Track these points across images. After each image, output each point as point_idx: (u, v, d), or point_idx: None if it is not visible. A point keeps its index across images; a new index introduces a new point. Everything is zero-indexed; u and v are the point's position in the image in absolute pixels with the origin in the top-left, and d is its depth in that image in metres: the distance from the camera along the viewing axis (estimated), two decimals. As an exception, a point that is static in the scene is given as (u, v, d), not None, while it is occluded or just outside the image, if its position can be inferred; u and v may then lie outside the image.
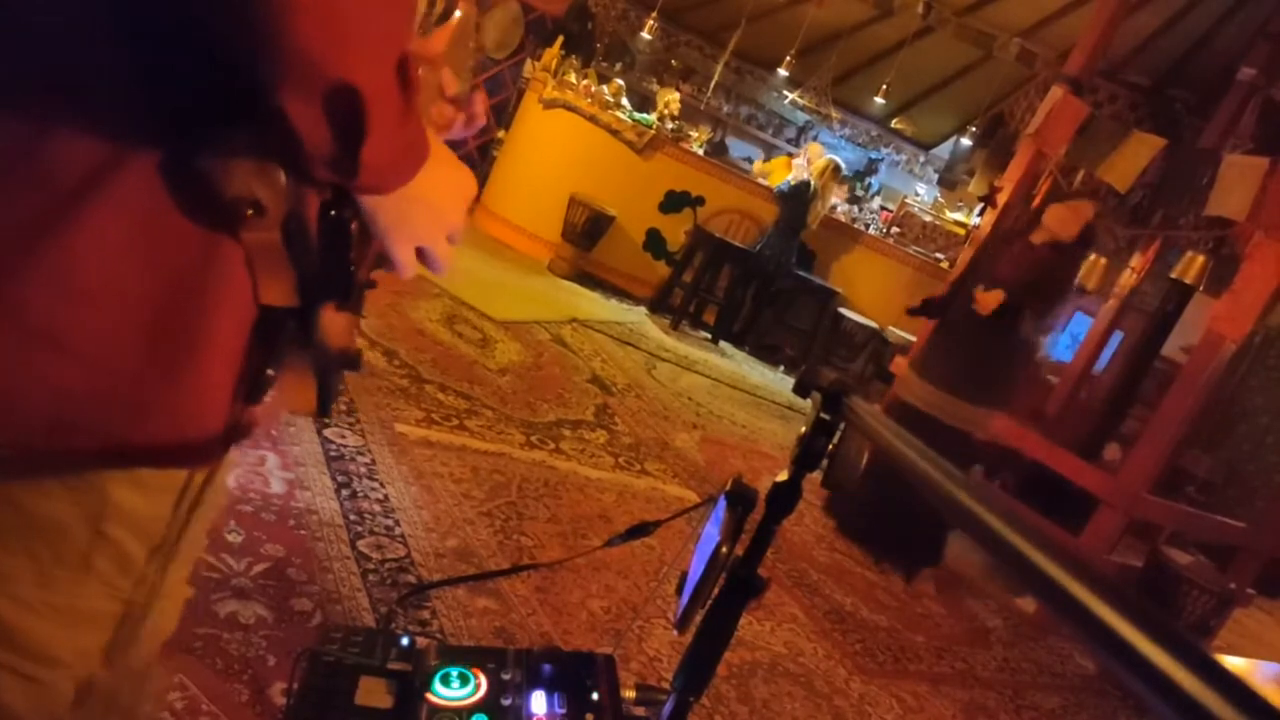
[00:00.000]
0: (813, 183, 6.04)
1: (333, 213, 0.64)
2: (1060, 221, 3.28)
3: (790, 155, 8.01)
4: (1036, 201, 4.57)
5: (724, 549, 0.93)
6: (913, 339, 5.29)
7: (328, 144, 0.56)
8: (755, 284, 6.29)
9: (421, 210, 0.69)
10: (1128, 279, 5.24)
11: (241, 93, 0.54)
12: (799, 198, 6.03)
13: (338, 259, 0.66)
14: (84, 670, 0.67)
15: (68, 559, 0.63)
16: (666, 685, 1.03)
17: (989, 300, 3.23)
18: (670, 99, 7.10)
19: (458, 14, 0.82)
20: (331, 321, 0.70)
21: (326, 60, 0.53)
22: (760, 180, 6.86)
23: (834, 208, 6.84)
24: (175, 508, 0.67)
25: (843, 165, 6.38)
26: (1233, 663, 3.13)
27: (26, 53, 0.56)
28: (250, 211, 0.58)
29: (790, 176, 6.26)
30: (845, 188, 6.95)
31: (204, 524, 0.72)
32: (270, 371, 0.66)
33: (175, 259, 0.59)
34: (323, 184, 0.61)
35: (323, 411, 0.75)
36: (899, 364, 4.53)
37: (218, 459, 0.67)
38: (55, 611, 0.64)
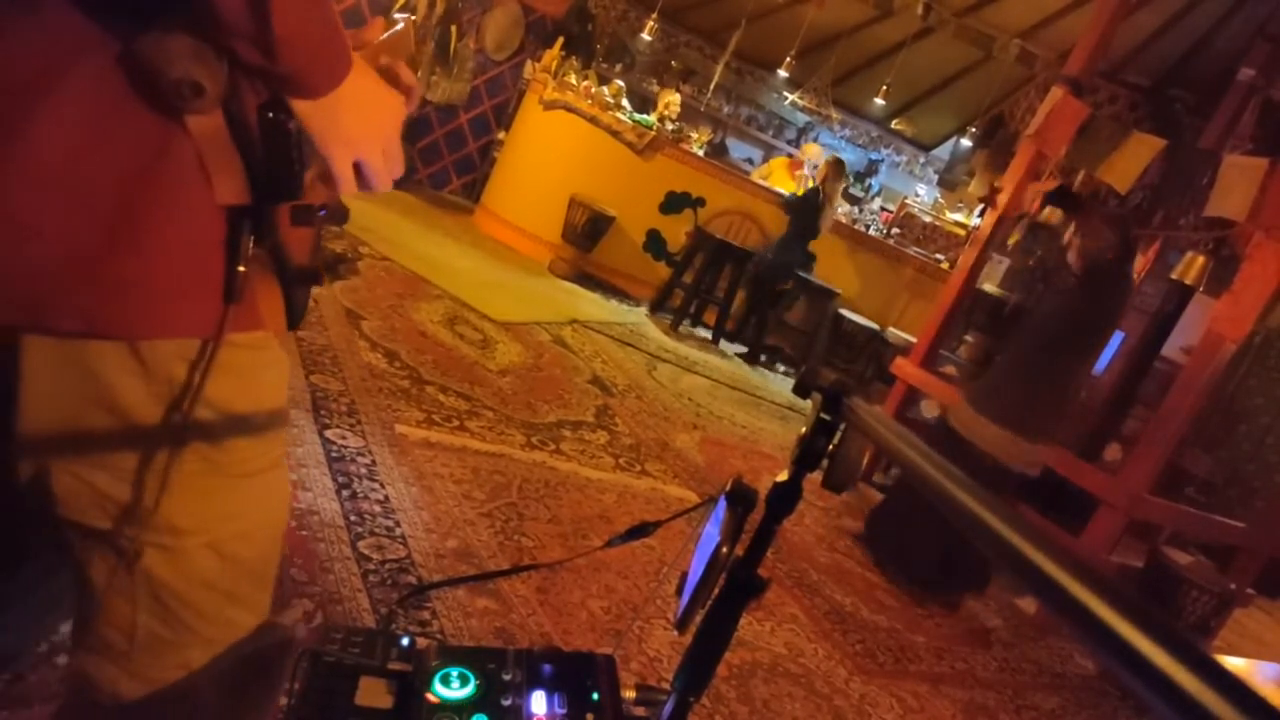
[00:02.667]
0: (821, 189, 6.04)
1: (270, 114, 0.68)
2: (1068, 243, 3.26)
3: (790, 156, 8.01)
4: (1036, 206, 4.57)
5: (724, 549, 0.93)
6: (913, 340, 5.29)
7: (241, 13, 0.60)
8: (764, 293, 6.29)
9: (352, 116, 0.73)
10: (1128, 279, 5.24)
11: None
12: (809, 205, 6.04)
13: (281, 156, 0.70)
14: (215, 534, 0.76)
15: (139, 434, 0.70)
16: (666, 685, 1.03)
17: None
18: (670, 101, 7.09)
19: (399, 25, 0.87)
20: (289, 235, 0.76)
21: None
22: (761, 183, 6.86)
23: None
24: (189, 373, 0.71)
25: (843, 161, 6.37)
26: (1233, 663, 3.13)
27: None
28: (190, 93, 0.63)
29: (799, 187, 6.30)
30: (845, 181, 6.94)
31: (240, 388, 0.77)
32: (241, 268, 0.71)
33: (133, 149, 0.65)
34: (252, 70, 0.65)
35: (292, 324, 0.80)
36: (900, 365, 4.53)
37: (204, 331, 0.71)
38: (158, 484, 0.71)
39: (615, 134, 6.39)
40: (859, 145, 10.34)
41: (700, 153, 6.90)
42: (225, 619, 0.79)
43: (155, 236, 0.67)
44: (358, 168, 0.76)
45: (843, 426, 0.93)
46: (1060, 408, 3.33)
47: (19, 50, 0.60)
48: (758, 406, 5.08)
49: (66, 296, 0.65)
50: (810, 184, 6.19)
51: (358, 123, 0.74)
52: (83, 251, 0.64)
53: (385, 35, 0.86)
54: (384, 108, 0.77)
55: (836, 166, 6.16)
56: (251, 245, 0.72)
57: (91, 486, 0.70)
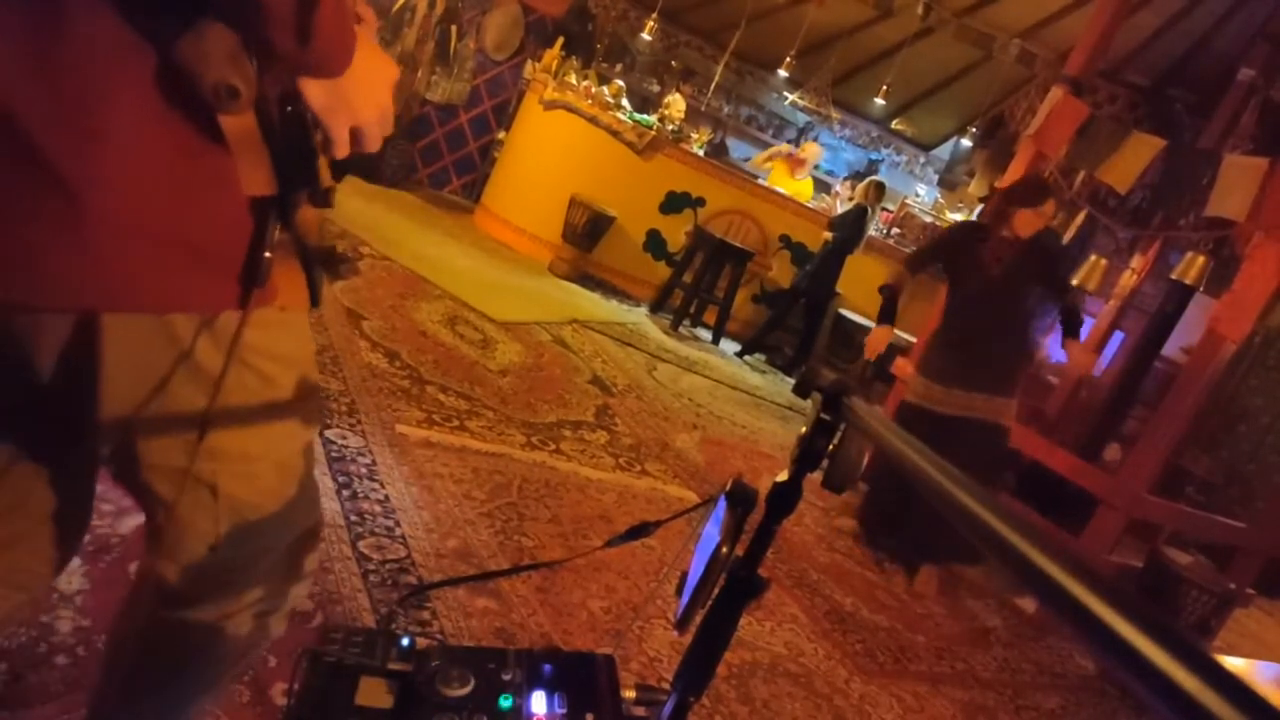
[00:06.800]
0: (869, 208, 6.15)
1: (289, 108, 0.74)
2: (1026, 224, 3.25)
3: (790, 153, 8.00)
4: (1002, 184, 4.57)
5: (724, 549, 0.93)
6: (913, 340, 5.29)
7: (290, 10, 0.65)
8: (818, 310, 6.37)
9: (353, 87, 0.77)
10: (1128, 280, 5.25)
11: None
12: (859, 222, 6.14)
13: (303, 147, 0.77)
14: (279, 455, 0.91)
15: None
16: (666, 685, 1.03)
17: (1086, 361, 3.22)
18: (674, 103, 7.08)
19: None
20: (305, 216, 0.82)
21: None
22: (760, 171, 6.88)
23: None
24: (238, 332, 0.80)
25: (884, 184, 6.52)
26: (1233, 663, 3.13)
27: None
28: (227, 95, 0.67)
29: (838, 205, 6.59)
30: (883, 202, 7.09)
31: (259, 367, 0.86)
32: (267, 254, 0.78)
33: (185, 148, 0.70)
34: (284, 58, 0.69)
35: (315, 301, 0.88)
36: (900, 365, 4.53)
37: (236, 305, 0.79)
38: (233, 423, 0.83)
39: (615, 134, 6.38)
40: (859, 145, 10.33)
41: (700, 152, 6.90)
42: (288, 521, 0.94)
43: (207, 226, 0.74)
44: (353, 132, 0.80)
45: (843, 426, 0.93)
46: (1005, 365, 3.38)
47: (82, 55, 0.64)
48: (758, 406, 5.08)
49: (149, 280, 0.72)
50: (853, 201, 6.38)
51: (358, 92, 0.78)
52: (156, 241, 0.71)
53: None
54: (379, 73, 0.81)
55: (879, 189, 6.29)
56: (277, 232, 0.79)
57: (172, 438, 0.81)
